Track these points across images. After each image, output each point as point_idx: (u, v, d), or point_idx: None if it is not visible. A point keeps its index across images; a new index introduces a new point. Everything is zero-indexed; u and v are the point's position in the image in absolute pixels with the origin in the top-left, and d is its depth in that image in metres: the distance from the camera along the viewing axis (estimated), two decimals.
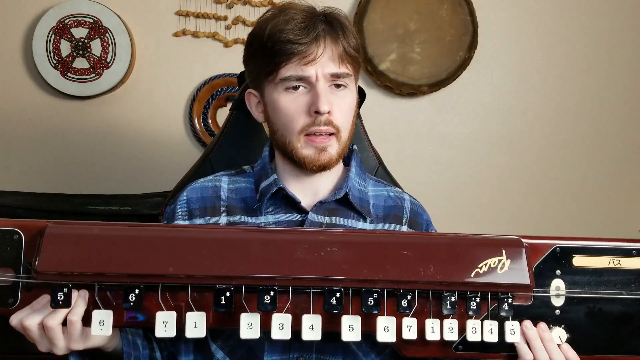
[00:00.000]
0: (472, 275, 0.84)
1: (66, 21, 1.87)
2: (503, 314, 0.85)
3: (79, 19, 1.87)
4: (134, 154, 1.97)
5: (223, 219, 1.02)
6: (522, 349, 0.86)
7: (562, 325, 0.89)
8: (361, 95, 1.49)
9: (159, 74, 1.95)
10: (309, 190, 1.04)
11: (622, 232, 2.02)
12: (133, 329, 0.96)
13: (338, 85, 0.98)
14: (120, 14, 1.89)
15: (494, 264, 0.85)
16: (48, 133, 1.94)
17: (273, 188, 1.00)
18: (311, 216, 1.01)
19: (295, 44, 0.94)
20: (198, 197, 1.04)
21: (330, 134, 0.98)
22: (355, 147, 1.10)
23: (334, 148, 0.99)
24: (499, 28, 2.00)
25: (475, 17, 1.92)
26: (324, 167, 0.99)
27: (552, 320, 0.89)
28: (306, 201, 1.02)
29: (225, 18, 1.95)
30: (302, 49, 0.94)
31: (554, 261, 0.90)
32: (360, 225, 1.03)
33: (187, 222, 1.02)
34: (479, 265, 0.85)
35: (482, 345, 0.86)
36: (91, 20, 1.87)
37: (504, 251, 0.86)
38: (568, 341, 0.89)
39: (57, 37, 1.87)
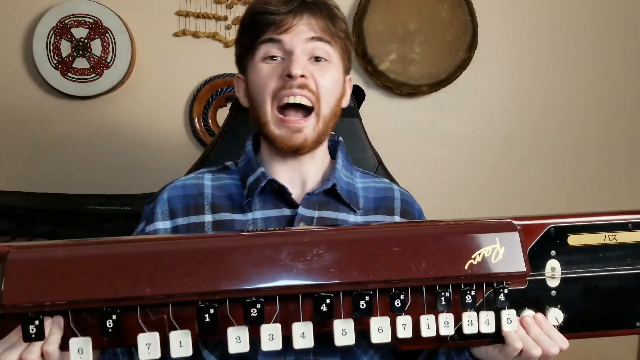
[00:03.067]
0: (466, 267, 0.80)
1: (66, 21, 1.87)
2: (500, 304, 0.82)
3: (79, 19, 1.87)
4: (134, 153, 1.97)
5: (208, 217, 0.98)
6: (511, 336, 0.84)
7: (559, 306, 0.87)
8: (360, 95, 1.49)
9: (159, 74, 1.95)
10: (297, 181, 1.00)
11: None
12: None
13: (318, 59, 0.95)
14: (120, 14, 1.89)
15: (488, 252, 0.82)
16: (48, 133, 1.94)
17: (262, 182, 0.96)
18: (301, 210, 0.97)
19: (271, 15, 0.93)
20: (180, 196, 1.00)
21: (309, 112, 0.94)
22: (341, 139, 1.07)
23: (310, 129, 0.95)
24: (499, 28, 2.00)
25: (475, 17, 1.92)
26: (297, 150, 0.95)
27: (548, 302, 0.87)
28: (294, 192, 0.99)
29: (225, 18, 1.95)
30: (278, 19, 0.93)
31: (549, 242, 0.87)
32: (352, 218, 1.00)
33: (167, 222, 0.98)
34: (473, 256, 0.81)
35: (479, 335, 0.84)
36: (91, 21, 1.87)
37: (497, 239, 0.82)
38: (564, 321, 0.87)
39: (58, 37, 1.87)
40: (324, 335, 0.82)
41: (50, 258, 0.76)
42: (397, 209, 1.04)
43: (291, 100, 0.93)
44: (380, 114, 1.99)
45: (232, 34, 1.96)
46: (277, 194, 0.98)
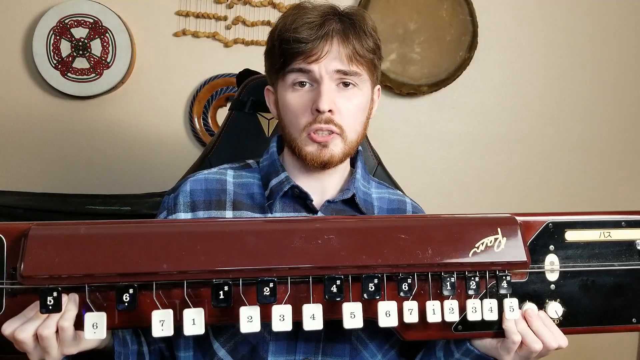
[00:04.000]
0: (470, 254, 0.85)
1: (66, 21, 1.87)
2: (502, 291, 0.85)
3: (79, 19, 1.87)
4: (134, 153, 1.97)
5: (229, 214, 0.99)
6: (511, 328, 0.86)
7: (558, 300, 0.90)
8: None
9: (159, 74, 1.95)
10: (317, 189, 1.02)
11: None
12: None
13: (347, 84, 0.97)
14: (120, 14, 1.89)
15: (490, 242, 0.86)
16: (48, 133, 1.94)
17: (285, 186, 0.99)
18: (319, 216, 1.00)
19: (300, 43, 0.94)
20: (202, 189, 1.01)
21: (334, 133, 0.97)
22: (360, 148, 1.09)
23: (337, 146, 0.97)
24: (499, 28, 2.00)
25: (475, 17, 1.92)
26: (325, 164, 0.97)
27: (548, 295, 0.90)
28: (315, 200, 1.01)
29: (225, 18, 1.95)
30: (307, 47, 0.94)
31: (547, 237, 0.91)
32: None
33: (189, 214, 0.99)
34: (476, 245, 0.86)
35: (482, 324, 0.87)
36: (91, 20, 1.88)
37: (499, 229, 0.87)
38: (564, 315, 0.90)
39: (57, 37, 1.88)
40: (332, 329, 0.84)
41: (71, 234, 0.79)
42: None
43: (318, 133, 0.97)
44: (380, 114, 1.99)
45: (232, 34, 1.96)
46: (298, 199, 1.01)
